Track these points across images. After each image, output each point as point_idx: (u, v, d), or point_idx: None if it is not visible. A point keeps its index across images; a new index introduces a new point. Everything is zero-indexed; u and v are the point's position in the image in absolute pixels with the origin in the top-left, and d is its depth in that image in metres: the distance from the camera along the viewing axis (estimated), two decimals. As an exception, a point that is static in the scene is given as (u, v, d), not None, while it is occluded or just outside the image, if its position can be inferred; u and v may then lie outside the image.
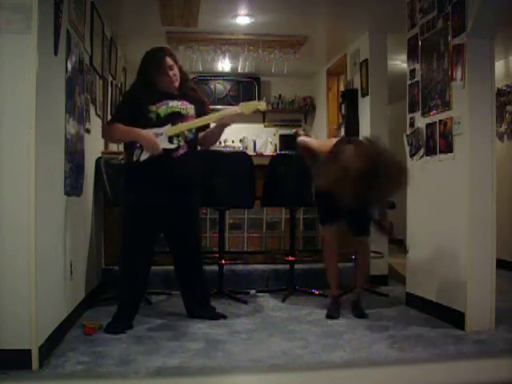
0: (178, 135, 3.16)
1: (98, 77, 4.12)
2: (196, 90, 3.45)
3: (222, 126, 3.33)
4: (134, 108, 3.17)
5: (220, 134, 3.44)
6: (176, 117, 3.18)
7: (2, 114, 2.40)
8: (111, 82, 5.08)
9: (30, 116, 2.41)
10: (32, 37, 2.41)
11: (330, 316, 3.48)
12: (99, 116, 4.26)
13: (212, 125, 3.41)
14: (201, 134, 3.37)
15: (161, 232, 3.34)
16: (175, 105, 3.21)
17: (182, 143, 3.18)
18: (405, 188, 3.47)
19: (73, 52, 3.14)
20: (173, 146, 3.14)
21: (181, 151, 3.18)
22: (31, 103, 2.41)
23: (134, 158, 3.13)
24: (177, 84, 3.25)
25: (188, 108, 3.26)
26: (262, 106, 3.23)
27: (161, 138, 3.10)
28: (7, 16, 2.38)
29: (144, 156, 3.10)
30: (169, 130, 3.13)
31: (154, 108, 3.15)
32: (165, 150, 3.10)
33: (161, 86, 3.23)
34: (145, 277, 3.27)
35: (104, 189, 3.99)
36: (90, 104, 3.80)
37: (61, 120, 2.92)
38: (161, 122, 3.13)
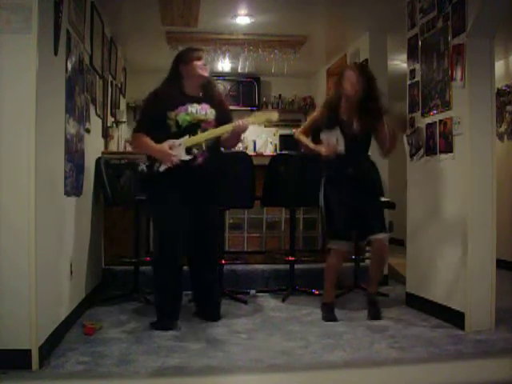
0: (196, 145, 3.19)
1: (97, 77, 4.12)
2: (220, 95, 3.50)
3: (238, 134, 3.34)
4: (152, 116, 3.21)
5: (238, 139, 3.52)
6: (195, 125, 3.18)
7: (1, 113, 2.40)
8: (111, 82, 5.08)
9: (30, 116, 2.41)
10: (32, 37, 2.41)
11: (328, 319, 3.43)
12: (99, 116, 4.26)
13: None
14: (222, 137, 3.35)
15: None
16: (194, 110, 3.19)
17: (200, 152, 3.19)
18: None
19: (73, 52, 3.14)
20: (190, 157, 3.16)
21: (200, 159, 3.20)
22: (31, 103, 2.41)
23: (155, 169, 3.19)
24: (206, 73, 3.27)
25: (208, 113, 3.24)
26: (274, 116, 3.29)
27: (178, 150, 3.12)
28: (7, 16, 2.38)
29: (163, 167, 3.16)
30: (186, 141, 3.15)
31: (172, 115, 3.15)
32: (183, 160, 3.14)
33: (186, 83, 3.24)
34: (180, 275, 3.29)
35: (104, 189, 3.99)
36: (90, 104, 3.80)
37: (61, 120, 2.92)
38: (180, 130, 3.16)
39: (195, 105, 3.21)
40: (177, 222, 3.21)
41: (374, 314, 3.47)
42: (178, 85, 3.25)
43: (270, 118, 3.33)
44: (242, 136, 3.51)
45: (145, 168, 3.30)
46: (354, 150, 3.43)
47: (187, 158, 3.15)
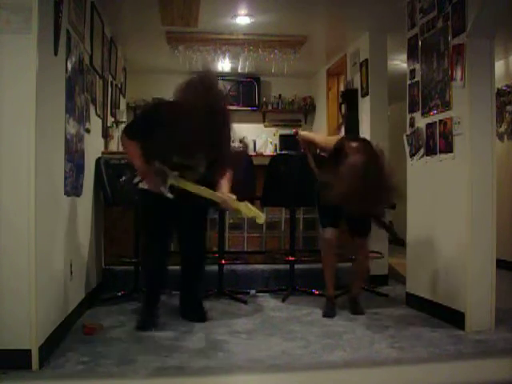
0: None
1: (97, 77, 4.11)
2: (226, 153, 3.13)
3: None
4: (146, 130, 2.95)
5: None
6: (188, 167, 3.07)
7: (2, 114, 2.40)
8: (111, 82, 5.08)
9: (30, 116, 2.41)
10: (32, 37, 2.41)
11: (326, 315, 3.51)
12: (99, 116, 4.26)
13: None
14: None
15: (172, 230, 3.37)
16: (198, 157, 3.03)
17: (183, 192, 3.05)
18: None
19: (73, 52, 3.14)
20: (171, 197, 3.03)
21: (183, 196, 3.06)
22: (31, 103, 2.41)
23: (136, 182, 3.19)
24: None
25: (201, 161, 3.09)
26: (260, 219, 2.93)
27: (162, 179, 3.03)
28: (7, 16, 2.38)
29: (143, 186, 3.15)
30: (173, 179, 3.03)
31: (167, 150, 2.93)
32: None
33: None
34: (164, 266, 3.32)
35: (104, 189, 4.00)
36: (90, 104, 3.80)
37: (61, 120, 2.92)
38: (171, 163, 3.03)
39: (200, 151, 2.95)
40: (160, 215, 3.23)
41: (356, 310, 3.59)
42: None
43: (255, 217, 2.93)
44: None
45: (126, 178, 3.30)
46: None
47: (169, 196, 3.03)
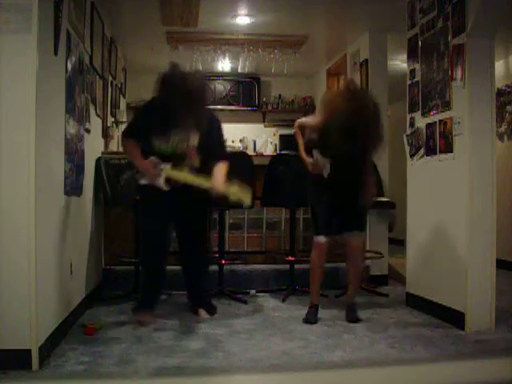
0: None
1: (98, 77, 4.11)
2: (212, 119, 3.31)
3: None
4: (141, 128, 3.22)
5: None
6: (178, 156, 3.17)
7: (1, 113, 2.39)
8: (111, 82, 5.08)
9: (30, 116, 2.41)
10: (32, 37, 2.41)
11: (308, 321, 3.38)
12: (99, 116, 4.26)
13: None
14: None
15: (172, 223, 3.40)
16: (177, 140, 3.16)
17: (179, 184, 3.17)
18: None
19: (73, 52, 3.14)
20: (167, 188, 3.18)
21: (179, 188, 3.17)
22: (31, 103, 2.41)
23: (137, 179, 3.30)
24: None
25: (191, 139, 3.18)
26: (246, 201, 3.03)
27: (159, 172, 3.18)
28: (7, 16, 2.38)
29: (143, 181, 3.25)
30: (167, 172, 3.18)
31: (156, 143, 3.17)
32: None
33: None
34: (163, 259, 3.36)
35: (104, 189, 4.00)
36: (90, 104, 3.80)
37: (61, 120, 2.92)
38: (164, 155, 3.17)
39: (181, 133, 3.14)
40: (159, 210, 3.27)
41: (352, 317, 3.44)
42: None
43: (242, 199, 3.02)
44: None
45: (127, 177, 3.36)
46: (343, 173, 3.37)
47: (165, 188, 3.19)
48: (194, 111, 3.06)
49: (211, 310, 3.51)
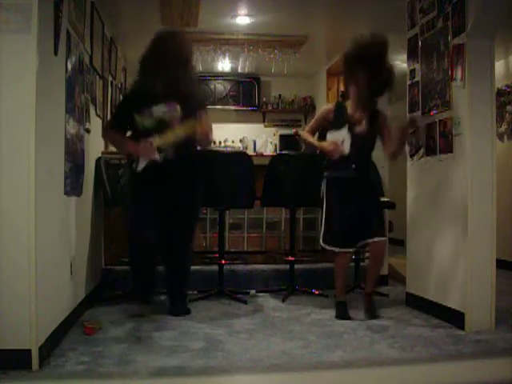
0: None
1: (98, 77, 4.12)
2: (193, 91, 3.44)
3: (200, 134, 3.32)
4: (123, 115, 3.39)
5: (205, 137, 3.40)
6: (162, 125, 3.22)
7: (1, 113, 2.39)
8: (111, 82, 5.08)
9: (30, 116, 2.41)
10: (32, 37, 2.41)
11: (340, 317, 3.45)
12: (99, 116, 4.26)
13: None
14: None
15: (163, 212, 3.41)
16: (160, 112, 3.24)
17: (171, 151, 3.25)
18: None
19: (73, 52, 3.14)
20: (159, 157, 3.23)
21: (172, 157, 3.27)
22: (31, 103, 2.41)
23: (133, 168, 3.32)
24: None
25: (174, 111, 3.27)
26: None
27: (154, 149, 3.22)
28: (7, 16, 2.38)
29: (140, 166, 3.27)
30: (155, 142, 3.22)
31: (138, 119, 3.25)
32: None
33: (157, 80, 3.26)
34: (153, 250, 3.40)
35: (104, 189, 4.00)
36: (90, 104, 3.80)
37: (61, 120, 2.92)
38: (148, 130, 3.24)
39: (161, 106, 3.25)
40: (148, 207, 3.31)
41: (371, 313, 3.49)
42: (148, 83, 3.30)
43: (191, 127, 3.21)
44: (210, 136, 3.43)
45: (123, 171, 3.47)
46: (360, 151, 3.45)
47: (158, 157, 3.24)
48: (180, 69, 3.22)
49: (180, 311, 3.53)
